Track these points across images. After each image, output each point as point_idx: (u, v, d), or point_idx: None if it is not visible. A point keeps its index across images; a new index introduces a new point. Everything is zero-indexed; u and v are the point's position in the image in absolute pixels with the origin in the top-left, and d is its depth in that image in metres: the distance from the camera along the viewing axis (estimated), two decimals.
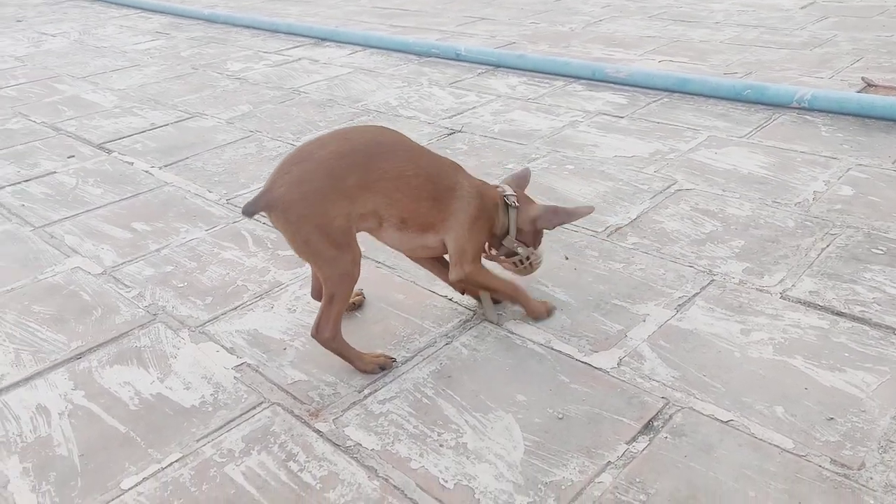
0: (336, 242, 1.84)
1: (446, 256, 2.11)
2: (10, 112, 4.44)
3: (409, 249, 2.07)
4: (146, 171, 3.43)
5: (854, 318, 2.08)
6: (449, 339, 2.10)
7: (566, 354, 2.00)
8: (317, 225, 1.81)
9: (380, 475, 1.64)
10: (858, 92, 3.83)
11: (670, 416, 1.75)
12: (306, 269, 2.50)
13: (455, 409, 1.83)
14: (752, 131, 3.47)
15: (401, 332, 2.14)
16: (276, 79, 4.84)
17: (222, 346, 2.13)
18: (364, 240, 1.99)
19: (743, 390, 1.83)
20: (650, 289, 2.27)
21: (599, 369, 1.93)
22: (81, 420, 1.87)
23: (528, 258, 2.13)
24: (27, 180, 3.40)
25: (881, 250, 2.40)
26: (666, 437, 1.69)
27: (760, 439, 1.67)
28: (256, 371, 2.02)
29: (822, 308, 2.13)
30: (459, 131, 3.70)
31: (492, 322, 2.15)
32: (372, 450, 1.72)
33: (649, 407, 1.79)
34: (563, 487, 1.58)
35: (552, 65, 4.53)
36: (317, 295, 2.12)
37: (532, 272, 2.20)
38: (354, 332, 2.09)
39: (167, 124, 4.08)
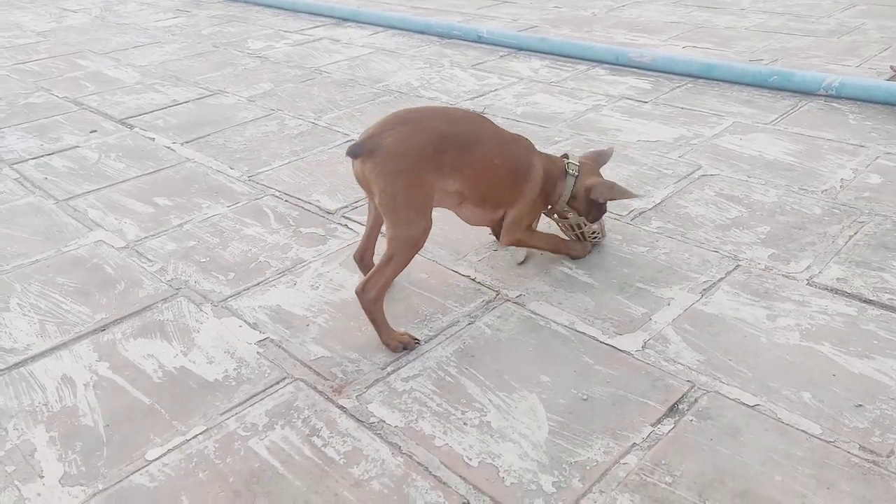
0: (417, 206, 1.92)
1: None
2: (32, 86, 4.46)
3: (478, 221, 2.24)
4: (168, 147, 3.44)
5: (883, 306, 2.05)
6: (472, 319, 2.09)
7: (590, 336, 1.99)
8: (408, 184, 1.90)
9: (403, 452, 1.65)
10: (887, 80, 3.77)
11: (696, 400, 1.74)
12: (329, 247, 2.50)
13: (479, 388, 1.82)
14: (778, 118, 3.43)
15: (423, 311, 2.14)
16: (298, 58, 4.83)
17: (245, 321, 2.14)
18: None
19: (769, 375, 1.81)
20: (675, 273, 2.25)
21: (624, 352, 1.92)
22: (106, 391, 1.88)
23: (579, 226, 2.29)
24: (50, 154, 3.41)
25: None
26: (691, 420, 1.68)
27: (787, 424, 1.66)
28: (279, 347, 2.02)
29: (849, 295, 2.11)
30: (482, 113, 3.67)
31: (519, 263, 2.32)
32: (395, 427, 1.72)
33: (674, 390, 1.78)
34: (587, 468, 1.57)
35: (575, 48, 4.49)
36: (359, 257, 2.20)
37: (586, 247, 2.34)
38: None
39: (189, 101, 4.08)
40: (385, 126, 1.93)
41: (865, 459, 1.56)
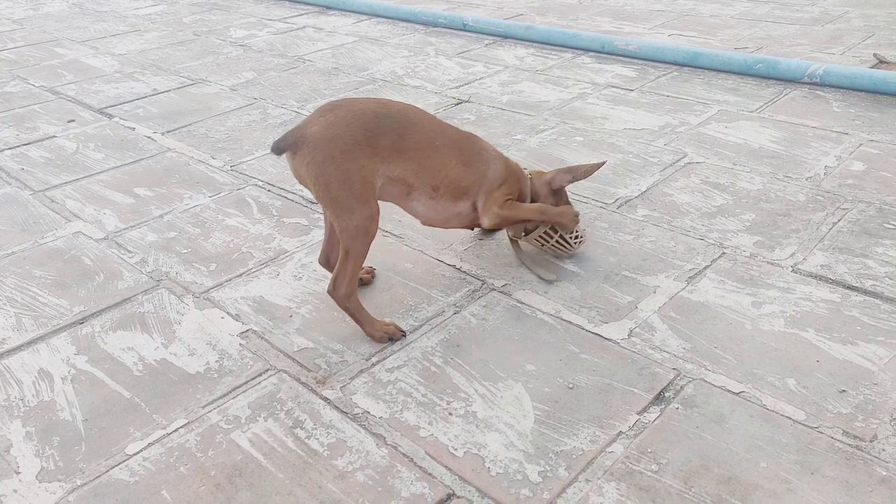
0: (356, 192, 1.84)
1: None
2: (8, 75, 4.37)
3: (443, 220, 2.12)
4: (148, 137, 3.39)
5: (866, 292, 2.05)
6: (457, 309, 2.07)
7: (576, 325, 1.98)
8: (341, 169, 1.82)
9: (388, 443, 1.63)
10: (870, 68, 3.78)
11: (681, 388, 1.74)
12: (312, 237, 2.47)
13: (464, 378, 1.81)
14: (762, 106, 3.43)
15: (409, 301, 2.12)
16: (281, 46, 4.77)
17: (227, 312, 2.11)
18: None
19: (754, 362, 1.81)
20: (660, 261, 2.25)
21: (610, 340, 1.91)
22: (85, 385, 1.85)
23: (555, 230, 2.19)
24: (26, 144, 3.35)
25: (893, 225, 2.37)
26: (677, 408, 1.68)
27: (772, 411, 1.66)
28: (262, 338, 2.00)
29: (833, 282, 2.11)
30: (467, 101, 3.65)
31: (550, 281, 2.17)
32: (380, 418, 1.70)
33: (660, 378, 1.77)
34: (574, 457, 1.56)
35: (561, 37, 4.46)
36: (324, 259, 2.11)
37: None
38: (362, 301, 2.05)
39: (169, 90, 4.02)
40: (311, 116, 1.87)
41: (849, 444, 1.56)
